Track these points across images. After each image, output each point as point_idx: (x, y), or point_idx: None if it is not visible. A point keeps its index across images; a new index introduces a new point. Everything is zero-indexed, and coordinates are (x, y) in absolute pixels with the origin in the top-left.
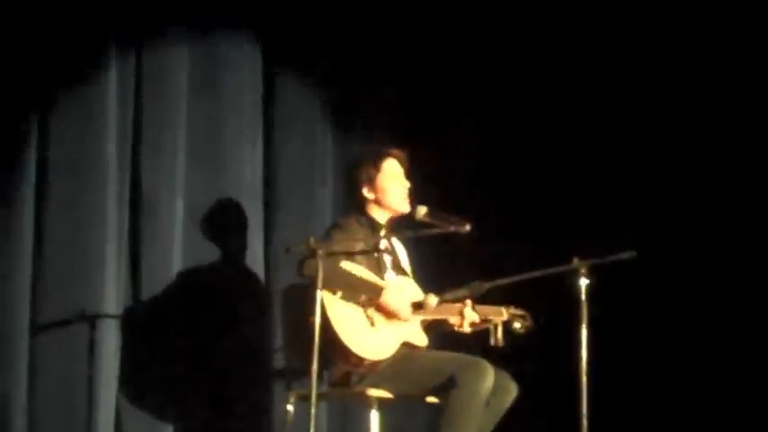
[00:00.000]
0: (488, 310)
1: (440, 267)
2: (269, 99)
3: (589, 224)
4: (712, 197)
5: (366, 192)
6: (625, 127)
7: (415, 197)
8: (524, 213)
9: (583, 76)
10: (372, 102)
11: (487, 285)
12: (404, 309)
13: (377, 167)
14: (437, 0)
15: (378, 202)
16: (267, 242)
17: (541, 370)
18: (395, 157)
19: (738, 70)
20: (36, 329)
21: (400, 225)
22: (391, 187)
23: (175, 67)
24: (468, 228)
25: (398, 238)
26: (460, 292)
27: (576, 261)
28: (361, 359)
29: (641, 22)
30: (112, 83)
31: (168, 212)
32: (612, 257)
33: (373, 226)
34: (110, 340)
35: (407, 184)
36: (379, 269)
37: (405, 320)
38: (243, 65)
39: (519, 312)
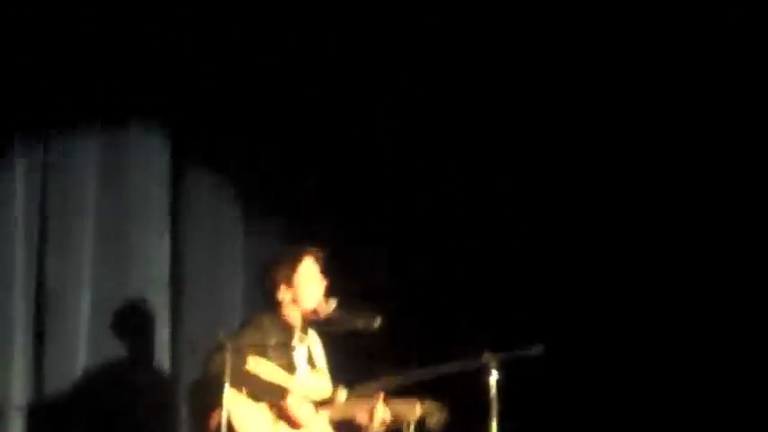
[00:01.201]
0: (401, 406)
1: (355, 362)
2: (177, 192)
3: (499, 320)
4: (616, 294)
5: (283, 292)
6: (534, 225)
7: (330, 294)
8: (436, 309)
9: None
10: (284, 198)
11: (397, 380)
12: (305, 416)
13: (293, 268)
14: (339, 99)
15: (294, 302)
16: (174, 338)
17: None
18: (311, 256)
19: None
20: None
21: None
22: (307, 288)
23: (82, 159)
24: (377, 324)
25: (315, 332)
26: (370, 387)
27: (486, 355)
28: None
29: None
30: (19, 177)
31: (74, 307)
32: (521, 352)
33: (287, 325)
34: None
35: (324, 283)
36: (290, 367)
37: (305, 426)
38: (151, 157)
39: (434, 406)
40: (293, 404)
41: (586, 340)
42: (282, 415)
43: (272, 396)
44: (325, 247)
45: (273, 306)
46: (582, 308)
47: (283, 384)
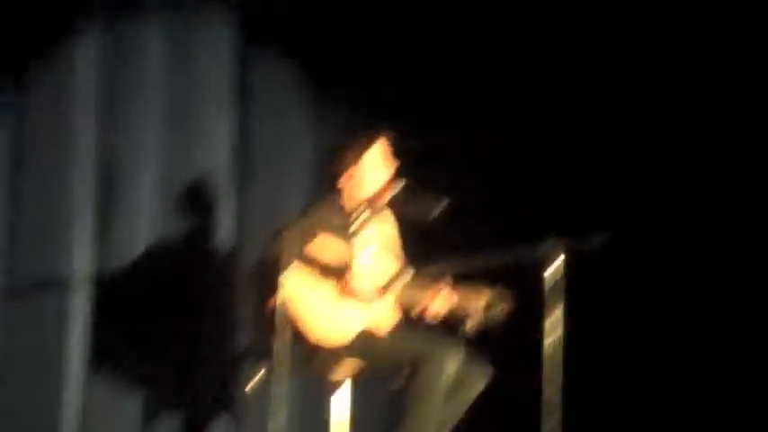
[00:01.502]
0: (467, 291)
1: (418, 246)
2: (244, 72)
3: (566, 206)
4: (689, 184)
5: (347, 176)
6: (601, 110)
7: (397, 178)
8: (502, 193)
9: (560, 63)
10: (352, 79)
11: (462, 264)
12: (369, 294)
13: (360, 152)
14: None
15: (358, 186)
16: (237, 220)
17: (513, 353)
18: (378, 143)
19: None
20: (8, 299)
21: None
22: (373, 173)
23: (149, 39)
24: (441, 208)
25: (390, 214)
26: (435, 270)
27: (549, 242)
28: (322, 342)
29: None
30: (85, 53)
31: (137, 185)
32: (587, 240)
33: (350, 209)
34: (79, 312)
35: (390, 169)
36: (351, 250)
37: (370, 304)
38: (218, 37)
39: (499, 294)
40: (358, 282)
41: (658, 229)
42: (347, 293)
43: (335, 274)
44: (394, 131)
45: (338, 189)
46: (655, 195)
47: (346, 261)
